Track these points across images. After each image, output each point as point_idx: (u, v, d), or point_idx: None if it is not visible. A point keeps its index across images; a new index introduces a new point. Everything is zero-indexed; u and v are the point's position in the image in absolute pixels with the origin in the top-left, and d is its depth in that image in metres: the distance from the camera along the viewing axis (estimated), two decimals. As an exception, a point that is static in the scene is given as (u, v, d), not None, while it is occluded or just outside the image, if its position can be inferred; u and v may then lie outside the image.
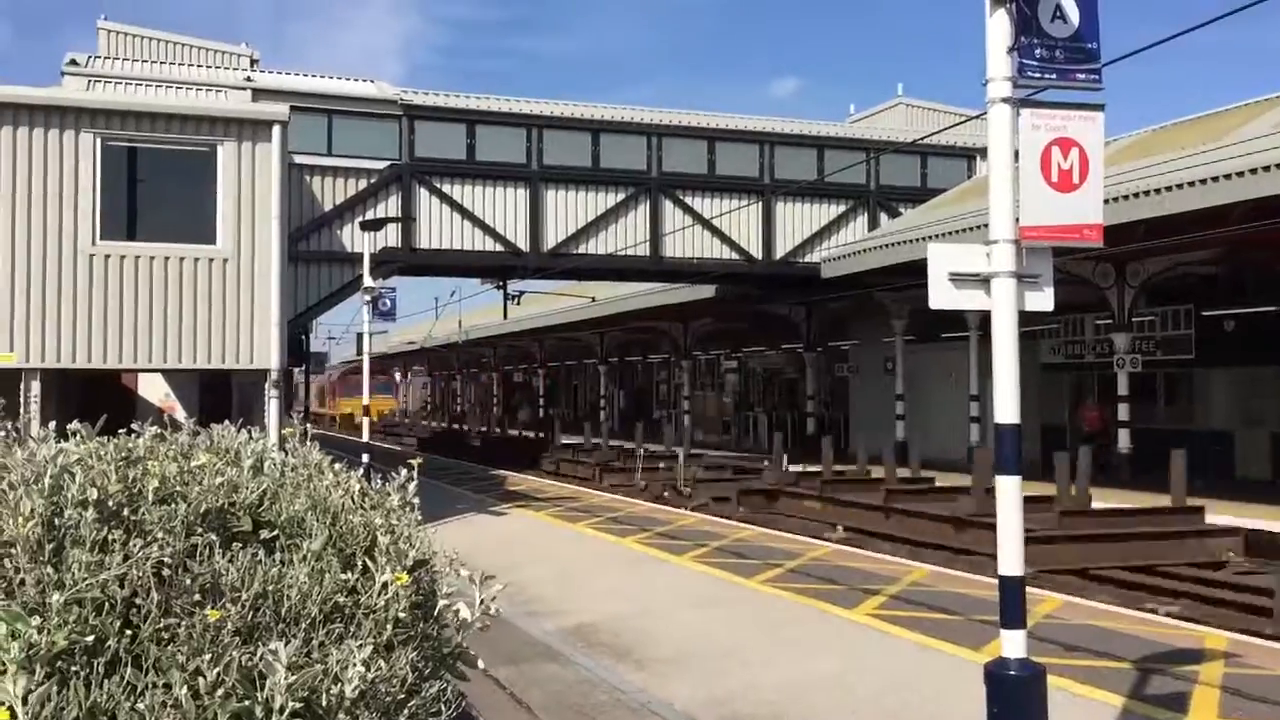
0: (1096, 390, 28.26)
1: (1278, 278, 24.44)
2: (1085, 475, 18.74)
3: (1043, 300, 5.30)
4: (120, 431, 3.80)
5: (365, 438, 23.40)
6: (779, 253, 29.65)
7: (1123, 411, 25.20)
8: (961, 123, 26.24)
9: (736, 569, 13.63)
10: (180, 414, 23.40)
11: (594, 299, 44.17)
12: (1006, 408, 5.25)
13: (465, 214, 26.75)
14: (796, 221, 29.91)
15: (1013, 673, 5.11)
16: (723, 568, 13.74)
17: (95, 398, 18.89)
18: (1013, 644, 5.13)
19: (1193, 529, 17.28)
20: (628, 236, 28.12)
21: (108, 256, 17.12)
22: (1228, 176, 18.02)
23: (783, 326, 39.62)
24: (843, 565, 13.93)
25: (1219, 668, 8.71)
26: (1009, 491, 5.24)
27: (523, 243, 27.30)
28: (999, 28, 5.21)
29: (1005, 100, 5.21)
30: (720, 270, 29.75)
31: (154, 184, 17.93)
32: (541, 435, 43.77)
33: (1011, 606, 5.18)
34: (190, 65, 24.80)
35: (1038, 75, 5.25)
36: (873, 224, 30.32)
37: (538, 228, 27.39)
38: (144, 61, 24.51)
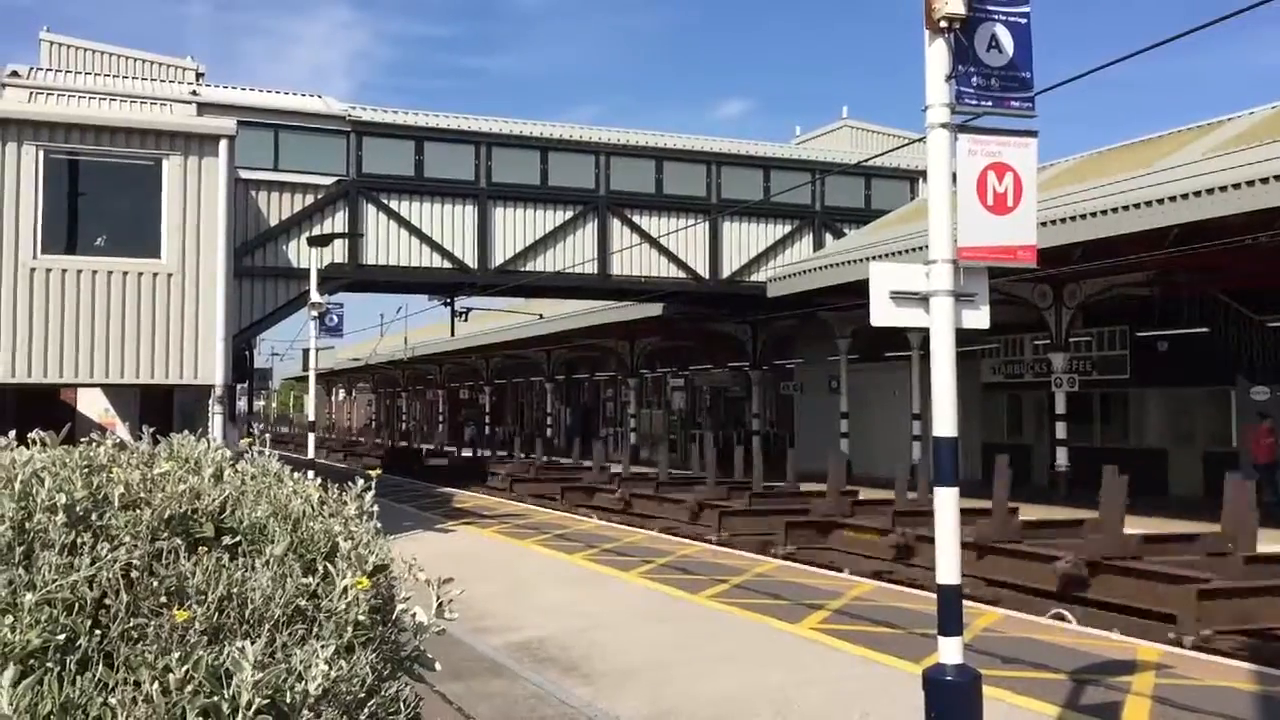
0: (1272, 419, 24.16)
1: (1209, 300, 25.12)
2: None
3: (979, 318, 5.50)
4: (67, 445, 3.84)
5: (311, 454, 23.21)
6: (725, 272, 29.93)
7: (1060, 430, 25.73)
8: (904, 145, 26.68)
9: (683, 584, 13.75)
10: (120, 429, 23.11)
11: (541, 316, 44.19)
12: (944, 422, 5.42)
13: (413, 230, 26.73)
14: (743, 241, 30.22)
15: (950, 678, 5.26)
16: (669, 583, 13.86)
17: (33, 412, 18.59)
18: (949, 650, 5.28)
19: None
20: (575, 254, 28.24)
21: (49, 270, 16.93)
22: (1161, 201, 18.48)
23: (729, 345, 39.92)
24: (789, 581, 14.11)
25: (1151, 678, 8.96)
26: (946, 503, 5.39)
27: (470, 260, 27.32)
28: (938, 56, 5.42)
29: (944, 126, 5.41)
30: (667, 289, 29.95)
31: (97, 197, 17.77)
32: (489, 453, 43.64)
33: (948, 614, 5.33)
34: (135, 78, 24.60)
35: (974, 102, 5.47)
36: (818, 244, 30.70)
37: (486, 245, 27.43)
38: (88, 74, 24.28)
